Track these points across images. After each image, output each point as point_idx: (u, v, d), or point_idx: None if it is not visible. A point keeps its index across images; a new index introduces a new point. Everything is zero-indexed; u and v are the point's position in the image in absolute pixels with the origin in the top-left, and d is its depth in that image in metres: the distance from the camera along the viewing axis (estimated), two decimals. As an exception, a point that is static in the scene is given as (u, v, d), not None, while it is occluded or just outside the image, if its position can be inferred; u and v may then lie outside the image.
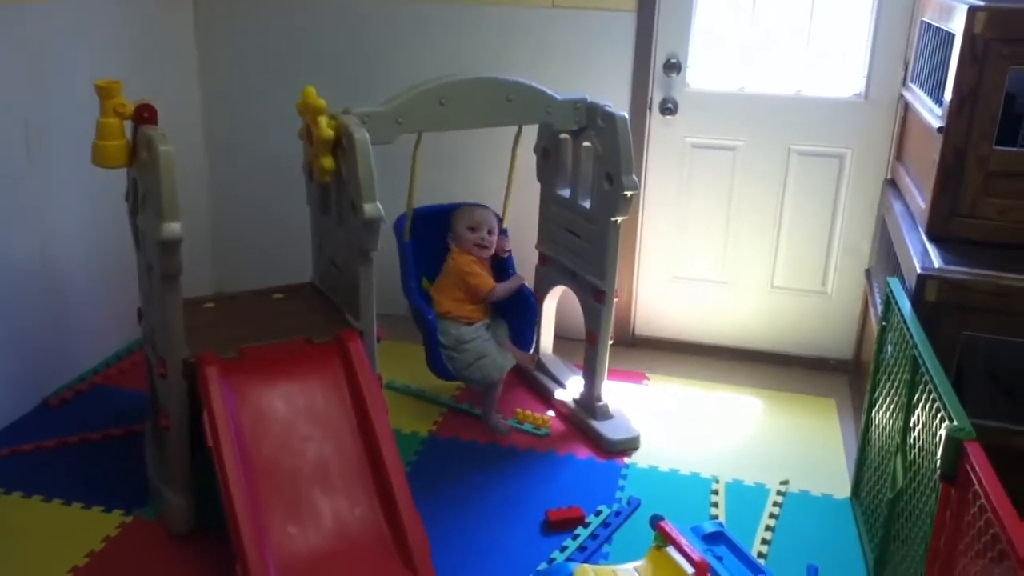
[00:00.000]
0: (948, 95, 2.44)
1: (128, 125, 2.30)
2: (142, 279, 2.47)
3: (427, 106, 2.61)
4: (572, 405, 3.08)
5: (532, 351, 3.15)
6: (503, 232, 3.05)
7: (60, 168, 3.01)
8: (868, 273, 3.35)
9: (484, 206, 3.02)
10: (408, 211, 2.88)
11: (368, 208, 2.32)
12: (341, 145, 2.38)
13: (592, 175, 2.88)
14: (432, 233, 2.98)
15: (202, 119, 3.78)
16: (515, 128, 2.92)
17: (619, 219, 2.80)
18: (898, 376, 2.27)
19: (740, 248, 3.52)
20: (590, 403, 3.01)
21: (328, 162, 2.41)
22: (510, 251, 3.07)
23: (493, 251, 3.00)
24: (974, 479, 1.64)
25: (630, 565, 2.22)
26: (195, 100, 3.73)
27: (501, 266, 3.05)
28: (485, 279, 2.95)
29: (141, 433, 2.77)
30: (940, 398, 1.87)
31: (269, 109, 3.63)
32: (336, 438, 2.28)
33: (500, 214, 3.05)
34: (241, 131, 3.75)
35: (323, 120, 2.37)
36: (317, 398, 2.33)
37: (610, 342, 2.98)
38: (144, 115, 2.25)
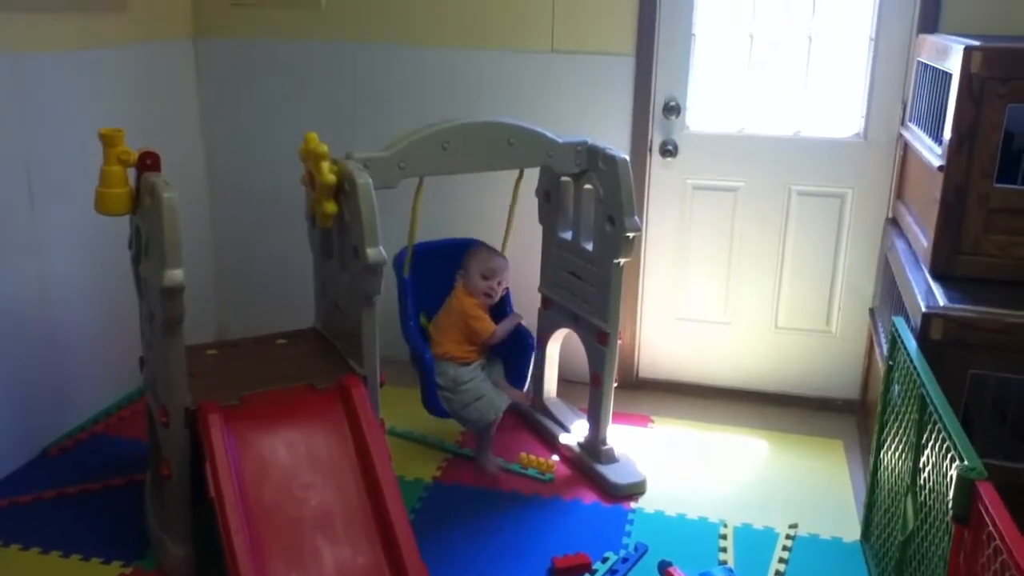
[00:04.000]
0: (947, 134, 2.45)
1: (131, 173, 2.31)
2: (144, 327, 2.46)
3: (429, 150, 2.62)
4: (577, 449, 3.05)
5: (527, 389, 3.13)
6: None
7: (60, 216, 3.01)
8: (872, 312, 3.34)
9: (500, 254, 3.02)
10: (409, 247, 2.88)
11: (371, 253, 2.32)
12: (344, 190, 2.39)
13: (594, 217, 2.88)
14: (432, 269, 2.98)
15: (204, 166, 3.80)
16: (516, 170, 2.93)
17: (622, 261, 2.80)
18: (906, 416, 2.24)
19: (743, 289, 3.51)
20: (595, 447, 2.98)
21: (331, 207, 2.41)
22: (507, 288, 3.07)
23: (497, 300, 3.00)
24: (988, 520, 1.61)
25: (639, 612, 2.19)
26: (197, 147, 3.76)
27: (498, 304, 3.04)
28: (487, 323, 2.95)
29: (141, 483, 2.74)
30: (950, 437, 1.85)
31: (271, 155, 3.65)
32: (339, 485, 2.25)
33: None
34: (243, 177, 3.77)
35: (325, 165, 2.38)
36: (319, 445, 2.30)
37: (614, 385, 2.96)
38: (147, 162, 2.26)
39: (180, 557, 2.36)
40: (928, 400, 2.03)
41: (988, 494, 1.64)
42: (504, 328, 2.97)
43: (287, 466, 2.25)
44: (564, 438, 3.12)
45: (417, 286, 2.95)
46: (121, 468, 2.92)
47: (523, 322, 3.05)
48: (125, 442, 3.11)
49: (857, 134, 3.30)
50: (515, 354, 3.06)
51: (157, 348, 2.30)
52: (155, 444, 2.51)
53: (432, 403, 2.91)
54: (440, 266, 3.00)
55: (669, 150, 3.40)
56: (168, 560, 2.39)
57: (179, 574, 2.37)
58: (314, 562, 2.12)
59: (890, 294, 2.92)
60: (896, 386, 2.40)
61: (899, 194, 3.20)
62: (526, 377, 3.10)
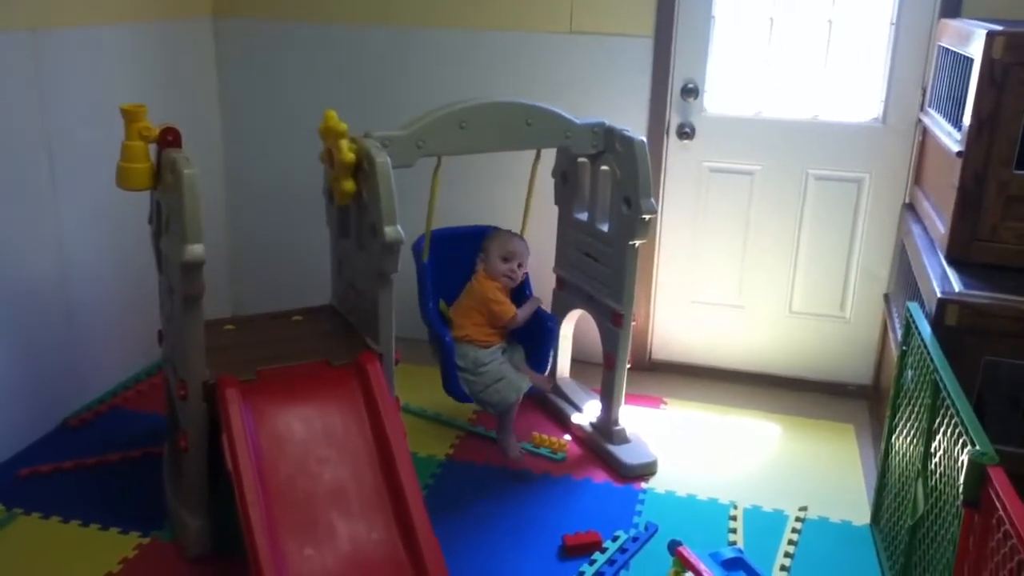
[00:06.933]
0: (967, 120, 2.44)
1: (153, 149, 2.33)
2: (164, 301, 2.49)
3: (447, 129, 2.63)
4: (589, 429, 3.07)
5: (548, 373, 3.14)
6: None
7: (80, 193, 3.04)
8: (887, 298, 3.33)
9: (519, 236, 3.03)
10: (427, 232, 2.89)
11: (389, 231, 2.33)
12: (362, 168, 2.40)
13: (610, 199, 2.89)
14: (451, 255, 2.99)
15: (222, 142, 3.82)
16: (533, 152, 2.93)
17: (637, 243, 2.81)
18: (919, 401, 2.25)
19: (757, 272, 3.51)
20: (607, 427, 3.00)
21: (349, 185, 2.43)
22: (527, 273, 3.08)
23: (519, 282, 3.01)
24: (998, 505, 1.62)
25: (648, 591, 2.21)
26: (215, 124, 3.77)
27: (518, 288, 3.06)
28: (508, 306, 2.94)
29: (159, 455, 2.78)
30: (962, 423, 1.86)
31: (288, 132, 3.67)
32: (353, 461, 2.28)
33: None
34: (260, 154, 3.79)
35: (344, 144, 2.39)
36: (335, 421, 2.33)
37: (627, 366, 2.97)
38: (168, 138, 2.28)
39: (196, 528, 2.40)
40: (941, 386, 2.03)
41: (999, 479, 1.65)
42: (525, 312, 2.97)
43: (302, 441, 2.27)
44: (576, 418, 3.14)
45: (436, 272, 2.95)
46: (139, 440, 2.96)
47: (542, 306, 3.05)
48: (143, 415, 3.15)
49: (876, 119, 3.28)
50: (536, 338, 3.05)
51: (176, 322, 2.33)
52: (173, 417, 2.54)
53: (453, 386, 2.89)
54: (458, 253, 3.00)
55: (686, 132, 3.40)
56: (184, 531, 2.43)
57: (195, 545, 2.41)
58: (328, 536, 2.15)
59: (905, 280, 2.92)
60: (909, 371, 2.40)
61: (917, 180, 3.19)
62: (547, 362, 3.10)
